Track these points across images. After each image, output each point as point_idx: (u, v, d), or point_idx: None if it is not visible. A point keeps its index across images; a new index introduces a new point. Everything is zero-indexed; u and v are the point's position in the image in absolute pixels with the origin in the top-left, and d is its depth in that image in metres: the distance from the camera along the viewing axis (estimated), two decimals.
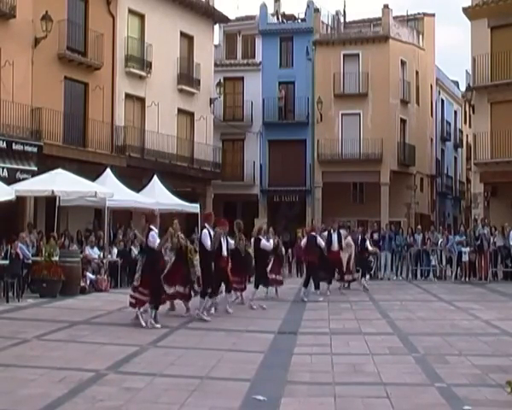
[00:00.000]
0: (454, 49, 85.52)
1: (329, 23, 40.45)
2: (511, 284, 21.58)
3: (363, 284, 18.96)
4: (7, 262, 15.72)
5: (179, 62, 30.60)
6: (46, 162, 21.34)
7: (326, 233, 18.15)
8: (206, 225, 12.88)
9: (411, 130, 37.82)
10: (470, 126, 38.09)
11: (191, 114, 31.48)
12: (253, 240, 15.70)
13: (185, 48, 31.33)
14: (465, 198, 48.26)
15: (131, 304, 12.17)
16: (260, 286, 15.45)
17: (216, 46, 36.70)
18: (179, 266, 13.13)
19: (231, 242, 13.77)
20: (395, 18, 38.03)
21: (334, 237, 18.11)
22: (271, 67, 37.47)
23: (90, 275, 18.01)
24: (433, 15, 41.23)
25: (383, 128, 35.30)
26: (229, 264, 13.48)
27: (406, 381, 7.62)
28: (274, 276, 16.37)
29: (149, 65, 28.41)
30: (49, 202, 20.50)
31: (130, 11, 27.91)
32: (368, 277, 20.17)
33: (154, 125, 28.45)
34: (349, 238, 19.09)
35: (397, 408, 6.50)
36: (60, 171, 19.27)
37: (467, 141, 46.73)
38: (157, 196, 22.50)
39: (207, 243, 12.36)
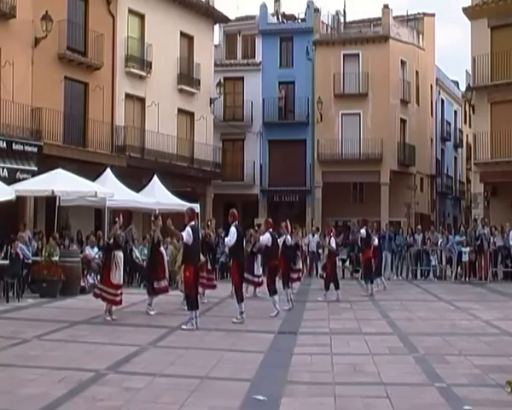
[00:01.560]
0: (454, 49, 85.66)
1: (329, 23, 40.40)
2: (511, 284, 21.58)
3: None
4: (7, 262, 15.72)
5: (179, 62, 30.59)
6: (46, 162, 21.31)
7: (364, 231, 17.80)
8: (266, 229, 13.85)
9: (411, 130, 37.80)
10: (470, 126, 38.10)
11: (191, 114, 31.47)
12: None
13: (185, 48, 31.32)
14: (465, 198, 48.23)
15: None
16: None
17: (216, 46, 36.69)
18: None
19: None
20: (395, 18, 38.01)
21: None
22: (271, 67, 37.44)
23: (90, 280, 17.95)
24: (433, 15, 41.22)
25: (383, 128, 35.28)
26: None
27: (406, 381, 7.62)
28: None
29: (149, 65, 28.39)
30: (49, 202, 20.50)
31: (130, 11, 27.90)
32: (337, 292, 16.20)
33: (154, 125, 28.44)
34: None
35: (397, 408, 6.50)
36: (60, 171, 19.26)
37: (467, 141, 46.70)
38: (157, 196, 22.52)
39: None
